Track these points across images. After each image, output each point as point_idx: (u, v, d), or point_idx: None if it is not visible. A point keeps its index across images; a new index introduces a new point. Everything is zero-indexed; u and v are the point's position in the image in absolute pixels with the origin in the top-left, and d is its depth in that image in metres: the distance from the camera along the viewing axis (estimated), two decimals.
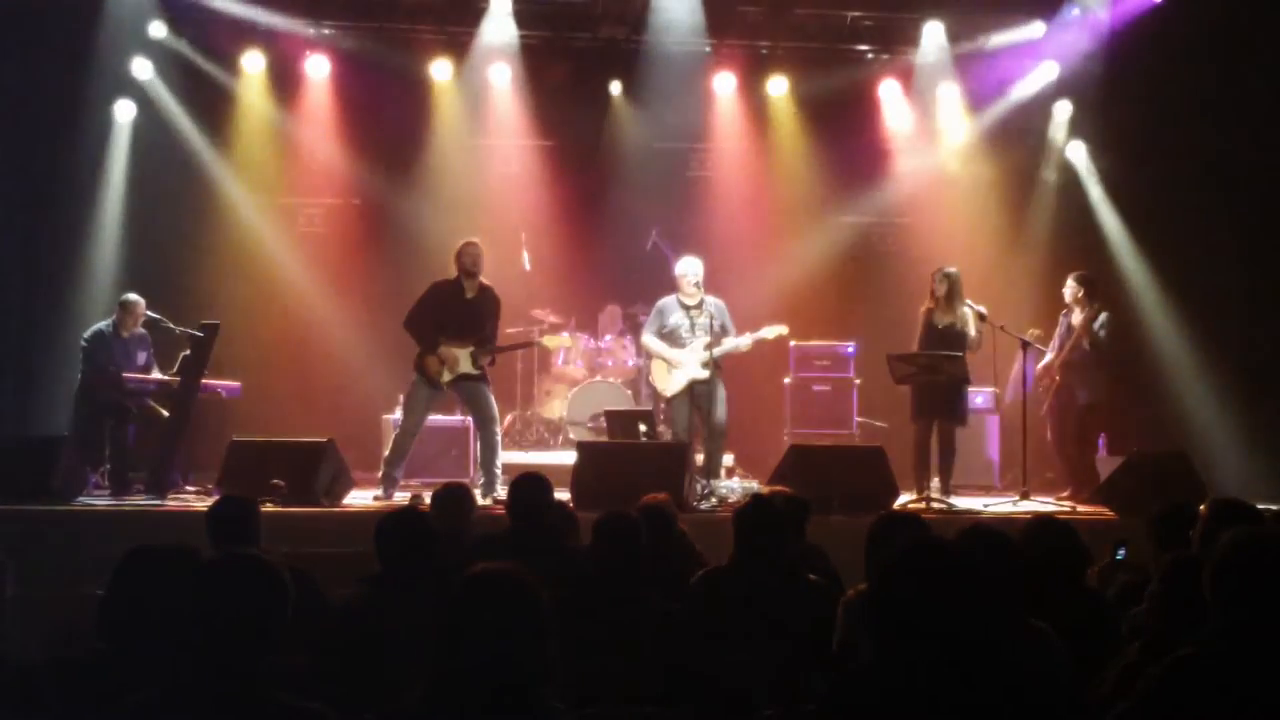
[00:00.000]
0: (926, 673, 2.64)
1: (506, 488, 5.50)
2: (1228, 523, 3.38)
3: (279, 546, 5.07)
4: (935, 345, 8.59)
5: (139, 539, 3.45)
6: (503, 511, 5.42)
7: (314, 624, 3.68)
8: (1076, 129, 11.29)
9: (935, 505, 8.12)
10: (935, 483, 8.47)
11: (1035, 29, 10.98)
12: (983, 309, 8.65)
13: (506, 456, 8.79)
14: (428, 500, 5.65)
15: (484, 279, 8.51)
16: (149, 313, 8.79)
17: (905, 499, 8.10)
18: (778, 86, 11.35)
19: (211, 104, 10.96)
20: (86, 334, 8.79)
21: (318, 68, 11.02)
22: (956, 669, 2.65)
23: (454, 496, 5.24)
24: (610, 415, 9.15)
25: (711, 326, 8.52)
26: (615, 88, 11.39)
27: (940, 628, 2.68)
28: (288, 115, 11.12)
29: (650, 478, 6.87)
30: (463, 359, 8.35)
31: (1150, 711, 2.74)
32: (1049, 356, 9.17)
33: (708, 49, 11.17)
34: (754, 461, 9.77)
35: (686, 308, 8.70)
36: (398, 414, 9.18)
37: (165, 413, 8.66)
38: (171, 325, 8.72)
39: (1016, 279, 10.62)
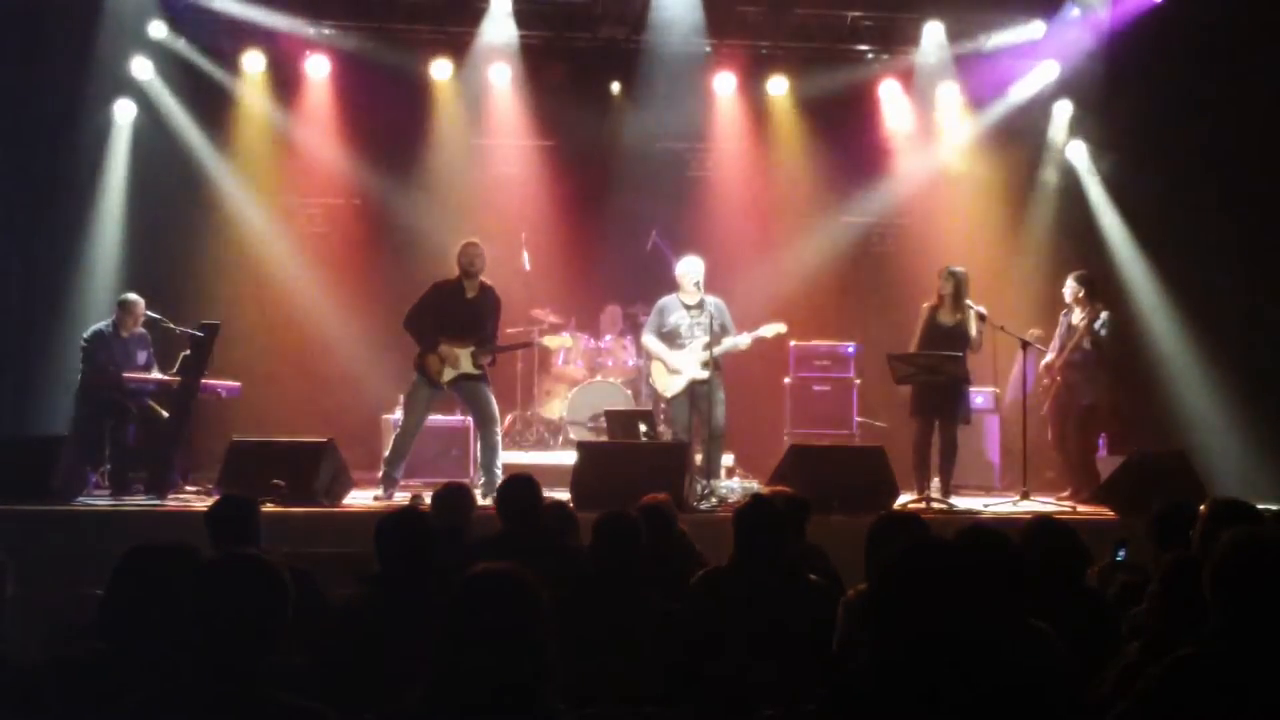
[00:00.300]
0: (926, 673, 2.64)
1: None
2: (1228, 523, 3.38)
3: (279, 546, 5.07)
4: (937, 344, 8.58)
5: (139, 539, 3.44)
6: None
7: (314, 624, 3.68)
8: (1076, 129, 11.30)
9: (935, 505, 8.12)
10: (935, 483, 8.47)
11: (1035, 29, 10.98)
12: (983, 309, 8.66)
13: (506, 456, 8.79)
14: (428, 500, 5.65)
15: (484, 279, 8.51)
16: (149, 313, 8.80)
17: (905, 499, 8.10)
18: (778, 86, 11.35)
19: (211, 104, 10.96)
20: (86, 334, 8.79)
21: (318, 68, 11.02)
22: (956, 669, 2.65)
23: (454, 496, 5.24)
24: (610, 415, 9.15)
25: (711, 326, 8.52)
26: (615, 88, 11.38)
27: (940, 628, 2.68)
28: (288, 115, 11.12)
29: (650, 478, 6.86)
30: (463, 359, 8.35)
31: (1150, 711, 2.74)
32: (1049, 356, 9.17)
33: (708, 49, 11.17)
34: (754, 461, 9.77)
35: (687, 307, 8.70)
36: (398, 414, 9.18)
37: (165, 413, 8.66)
38: (171, 325, 8.72)
39: (1016, 279, 10.62)
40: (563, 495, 6.99)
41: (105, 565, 3.25)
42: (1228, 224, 10.24)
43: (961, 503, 8.35)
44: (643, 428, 8.62)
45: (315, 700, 2.68)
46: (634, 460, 7.92)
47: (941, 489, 8.46)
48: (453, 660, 2.58)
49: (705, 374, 8.52)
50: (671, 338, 8.70)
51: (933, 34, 10.97)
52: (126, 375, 8.61)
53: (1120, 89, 10.64)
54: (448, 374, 8.33)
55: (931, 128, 11.47)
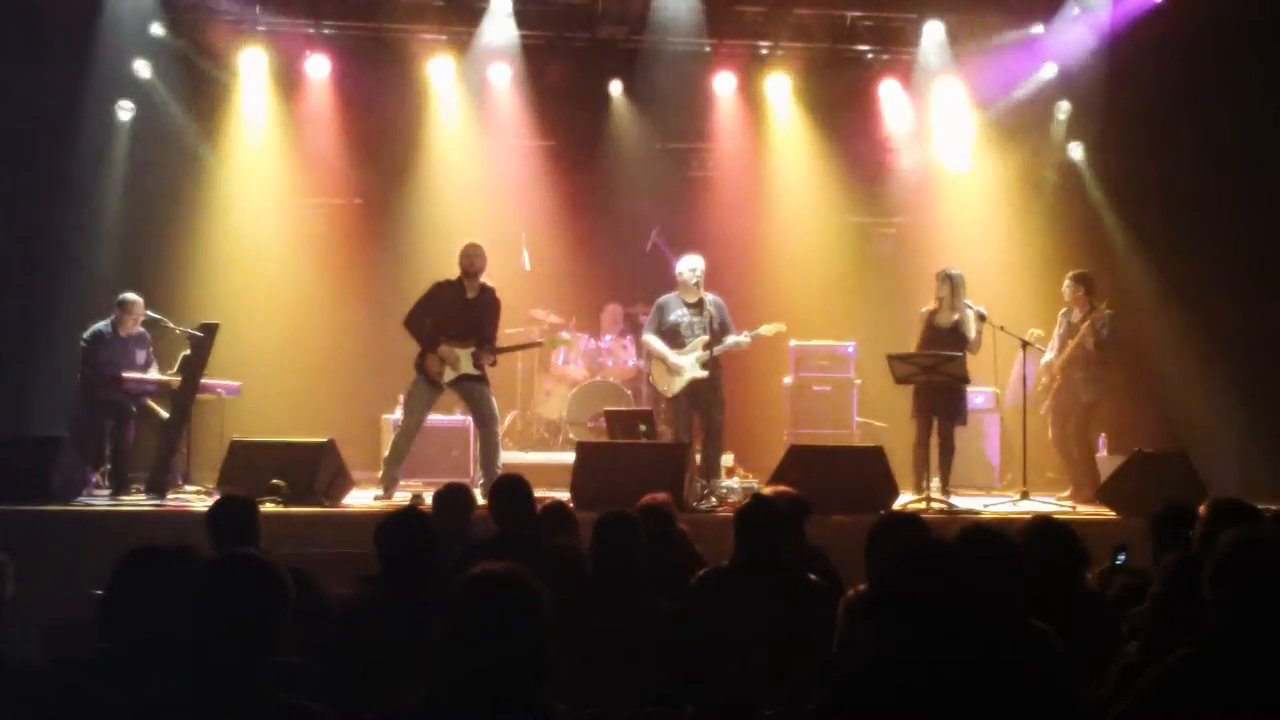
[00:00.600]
0: (926, 673, 2.64)
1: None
2: (1228, 523, 3.38)
3: (279, 546, 5.07)
4: (936, 345, 8.59)
5: (139, 539, 3.45)
6: None
7: (314, 624, 3.68)
8: (1076, 129, 11.30)
9: (935, 505, 8.12)
10: (935, 483, 8.47)
11: (1035, 29, 10.99)
12: (982, 309, 8.66)
13: (506, 456, 8.80)
14: (428, 500, 5.65)
15: (485, 279, 8.51)
16: (149, 313, 8.80)
17: (905, 499, 8.10)
18: (778, 86, 11.35)
19: (211, 104, 10.96)
20: (85, 334, 8.79)
21: (318, 67, 11.01)
22: (956, 669, 2.65)
23: (455, 497, 5.23)
24: (610, 415, 9.15)
25: (711, 325, 8.52)
26: (615, 88, 11.39)
27: (940, 628, 2.68)
28: (288, 115, 11.12)
29: (650, 478, 6.85)
30: (464, 359, 8.35)
31: (1150, 711, 2.73)
32: (1049, 356, 9.18)
33: (708, 49, 11.18)
34: (754, 461, 9.77)
35: (687, 306, 8.70)
36: (398, 414, 9.18)
37: (165, 413, 8.66)
38: (171, 325, 8.72)
39: (1016, 279, 10.61)
40: (563, 495, 6.99)
41: (105, 565, 3.25)
42: (1227, 223, 10.24)
43: (961, 503, 8.35)
44: (643, 428, 8.62)
45: (315, 700, 2.68)
46: (634, 460, 7.91)
47: (941, 489, 8.46)
48: (453, 660, 2.58)
49: (705, 373, 8.52)
50: (672, 337, 8.69)
51: (933, 34, 10.98)
52: (126, 375, 8.61)
53: (1120, 89, 10.64)
54: (448, 375, 8.34)
55: (931, 128, 11.47)
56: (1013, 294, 10.23)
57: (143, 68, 10.67)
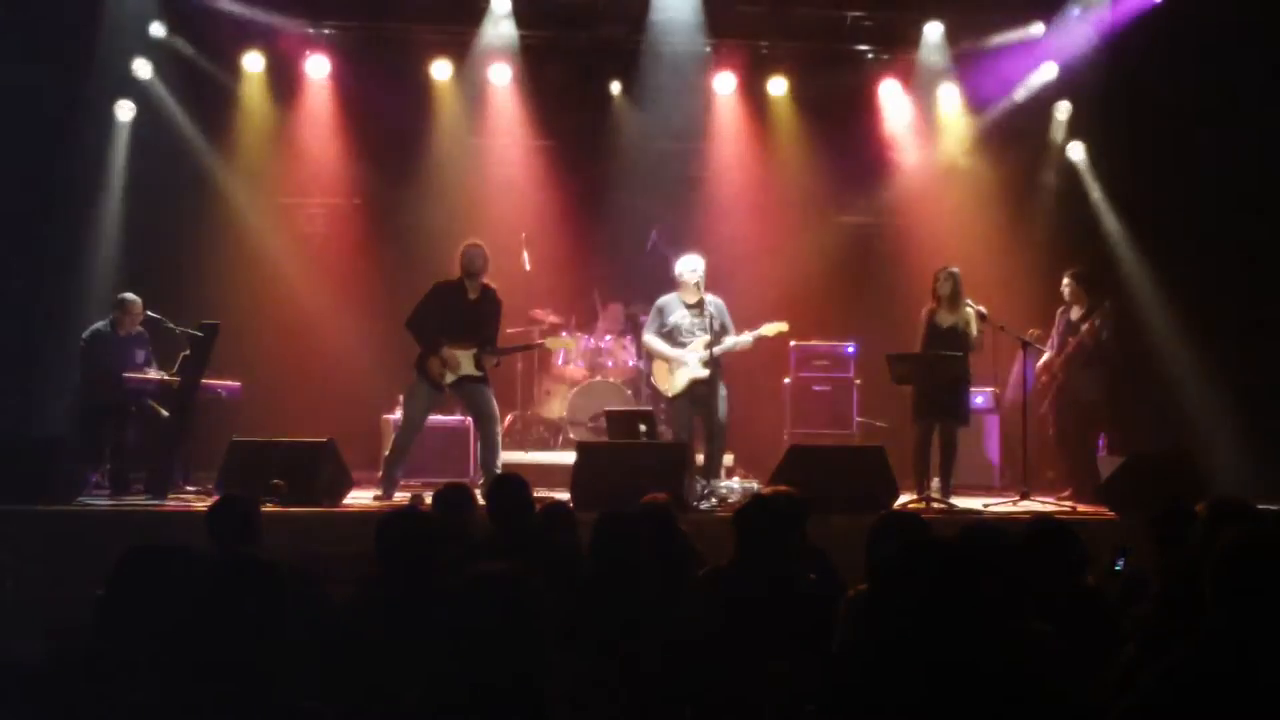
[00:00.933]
0: (926, 673, 2.64)
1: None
2: (1228, 523, 3.38)
3: (279, 546, 5.07)
4: (937, 345, 8.58)
5: (139, 539, 3.45)
6: None
7: (314, 624, 3.68)
8: (1076, 129, 11.29)
9: (935, 505, 8.12)
10: (935, 483, 8.47)
11: (1035, 29, 10.99)
12: (983, 309, 8.66)
13: (506, 456, 8.79)
14: (428, 500, 5.65)
15: (486, 280, 8.51)
16: (149, 313, 8.80)
17: (905, 499, 8.10)
18: (778, 86, 11.34)
19: (211, 104, 10.95)
20: (85, 334, 8.80)
21: (318, 67, 11.01)
22: (956, 669, 2.65)
23: (455, 496, 5.23)
24: (610, 415, 9.15)
25: (711, 325, 8.52)
26: (615, 88, 11.38)
27: (940, 628, 2.68)
28: (288, 115, 11.12)
29: (650, 478, 6.86)
30: (465, 360, 8.35)
31: (1150, 711, 2.73)
32: (1048, 354, 9.17)
33: (708, 49, 11.17)
34: (754, 461, 9.77)
35: (687, 306, 8.69)
36: (398, 414, 9.18)
37: (165, 413, 8.66)
38: (171, 325, 8.72)
39: (1016, 279, 10.60)
40: (563, 495, 6.99)
41: (105, 565, 3.25)
42: (1227, 223, 10.23)
43: (961, 503, 8.35)
44: (643, 428, 8.61)
45: (315, 700, 2.68)
46: (634, 460, 7.91)
47: (941, 489, 8.46)
48: (453, 660, 2.58)
49: (706, 373, 8.51)
50: (672, 337, 8.68)
51: (933, 34, 10.99)
52: (126, 375, 8.61)
53: (1120, 89, 10.63)
54: (449, 378, 8.34)
55: (931, 128, 11.47)
56: (1012, 294, 10.22)
57: (143, 68, 10.67)
